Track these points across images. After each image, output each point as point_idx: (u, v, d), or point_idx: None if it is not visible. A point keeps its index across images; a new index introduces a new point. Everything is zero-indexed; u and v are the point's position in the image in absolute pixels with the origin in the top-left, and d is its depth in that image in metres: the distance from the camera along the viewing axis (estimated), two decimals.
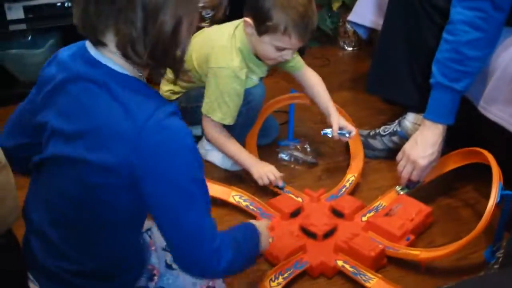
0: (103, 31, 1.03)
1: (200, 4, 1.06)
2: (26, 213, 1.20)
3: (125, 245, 1.19)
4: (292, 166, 2.15)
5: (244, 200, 1.89)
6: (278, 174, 1.94)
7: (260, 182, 1.93)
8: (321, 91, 2.11)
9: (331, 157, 2.21)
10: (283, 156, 2.19)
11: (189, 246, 1.10)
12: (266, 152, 2.19)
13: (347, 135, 2.00)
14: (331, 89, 2.70)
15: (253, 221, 1.41)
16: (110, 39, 1.04)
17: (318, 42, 3.26)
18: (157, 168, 1.03)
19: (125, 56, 1.04)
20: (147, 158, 1.03)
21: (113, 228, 1.14)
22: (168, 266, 1.30)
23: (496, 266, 1.51)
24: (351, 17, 2.59)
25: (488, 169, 1.75)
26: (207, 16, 1.14)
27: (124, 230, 1.16)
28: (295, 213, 1.83)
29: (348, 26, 2.99)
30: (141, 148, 1.02)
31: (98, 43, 1.06)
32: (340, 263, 1.64)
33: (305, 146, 2.22)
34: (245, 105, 1.98)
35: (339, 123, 2.01)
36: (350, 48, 3.21)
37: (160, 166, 1.03)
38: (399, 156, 1.90)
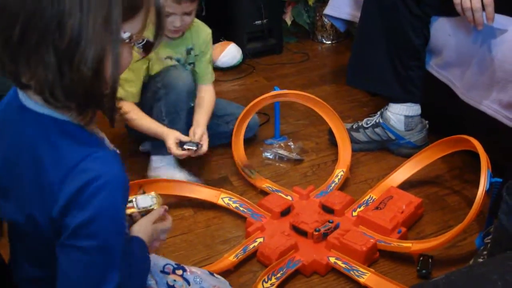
0: (21, 74, 0.92)
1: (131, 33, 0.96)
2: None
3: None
4: (277, 164, 2.15)
5: (234, 202, 1.88)
6: (184, 138, 1.93)
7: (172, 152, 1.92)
8: (204, 108, 2.06)
9: (316, 153, 2.21)
10: (268, 155, 2.18)
11: None
12: (250, 151, 2.19)
13: (194, 148, 1.92)
14: (312, 84, 2.73)
15: (133, 230, 1.22)
16: (31, 83, 0.94)
17: (296, 37, 3.27)
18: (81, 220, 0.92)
19: (45, 100, 0.93)
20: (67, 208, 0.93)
21: None
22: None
23: (485, 252, 1.52)
24: (327, 10, 2.59)
25: (472, 154, 1.76)
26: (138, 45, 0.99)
27: None
28: (285, 212, 1.82)
29: (325, 19, 2.99)
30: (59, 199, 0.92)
31: (23, 86, 0.95)
32: (332, 260, 1.64)
33: (289, 144, 2.22)
34: (164, 88, 1.97)
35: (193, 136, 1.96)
36: (329, 42, 3.22)
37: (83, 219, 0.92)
38: None
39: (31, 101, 0.96)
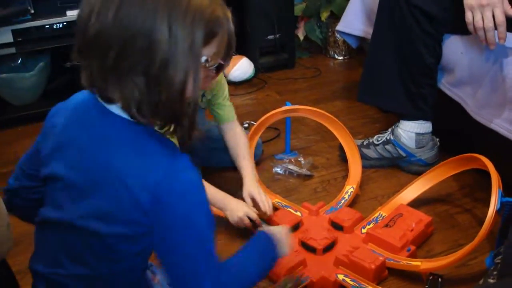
0: (109, 91, 1.01)
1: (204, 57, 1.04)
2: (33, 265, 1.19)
3: (134, 284, 1.18)
4: (287, 179, 2.15)
5: None
6: (253, 215, 1.79)
7: (237, 225, 1.82)
8: (246, 158, 1.97)
9: (326, 169, 2.21)
10: (278, 170, 2.18)
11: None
12: (261, 166, 2.18)
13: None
14: (323, 99, 2.73)
15: (269, 229, 1.40)
16: (117, 98, 1.03)
17: (309, 53, 3.27)
18: (170, 225, 1.04)
19: (131, 116, 1.02)
20: (160, 217, 1.03)
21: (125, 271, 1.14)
22: None
23: (495, 273, 1.51)
24: (340, 26, 2.60)
25: (482, 173, 1.75)
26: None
27: (133, 273, 1.16)
28: (294, 228, 1.82)
29: (338, 35, 3.00)
30: (154, 210, 1.02)
31: (109, 100, 1.04)
32: (341, 277, 1.63)
33: (299, 159, 2.22)
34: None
35: (250, 192, 1.88)
36: (341, 57, 3.22)
37: (173, 223, 1.04)
38: (468, 16, 1.75)
39: (116, 108, 1.03)
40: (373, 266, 1.61)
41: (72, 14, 2.53)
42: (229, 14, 1.08)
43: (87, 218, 1.05)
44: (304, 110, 2.16)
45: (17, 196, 1.26)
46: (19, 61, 2.60)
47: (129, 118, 1.03)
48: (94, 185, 1.04)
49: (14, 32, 2.45)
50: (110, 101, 1.03)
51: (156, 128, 1.07)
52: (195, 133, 1.07)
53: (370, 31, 2.21)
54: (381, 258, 1.65)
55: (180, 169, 1.04)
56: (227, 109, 2.00)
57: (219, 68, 1.10)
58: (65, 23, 2.52)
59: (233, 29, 1.10)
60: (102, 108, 1.04)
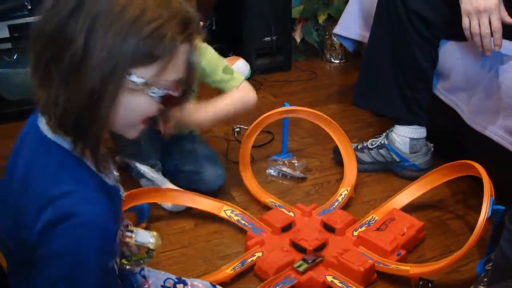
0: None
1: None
2: None
3: None
4: (281, 181, 2.14)
5: (236, 215, 1.88)
6: None
7: None
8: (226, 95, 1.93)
9: (320, 172, 2.20)
10: (271, 172, 2.18)
11: None
12: (255, 167, 2.18)
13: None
14: (319, 102, 2.73)
15: None
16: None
17: (305, 55, 3.27)
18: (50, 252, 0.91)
19: (46, 123, 0.95)
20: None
21: None
22: None
23: (485, 279, 1.51)
24: (337, 30, 2.60)
25: (476, 179, 1.75)
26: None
27: None
28: (286, 228, 1.82)
29: (334, 39, 3.00)
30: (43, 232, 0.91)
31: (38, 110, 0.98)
32: (329, 278, 1.63)
33: (292, 161, 2.22)
34: None
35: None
36: (337, 61, 3.22)
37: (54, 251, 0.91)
38: (465, 22, 1.74)
39: (42, 124, 0.97)
40: (362, 269, 1.61)
41: None
42: (195, 42, 0.96)
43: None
44: (302, 112, 2.16)
45: None
46: (15, 57, 2.58)
47: (55, 138, 0.95)
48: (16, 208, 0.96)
49: (10, 27, 2.46)
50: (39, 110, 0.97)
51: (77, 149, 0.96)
52: (101, 158, 0.97)
53: (367, 35, 2.21)
54: (370, 261, 1.65)
55: (74, 200, 0.91)
56: (230, 83, 1.94)
57: (167, 100, 0.96)
58: None
59: (195, 61, 0.97)
60: (36, 127, 0.98)
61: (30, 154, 0.97)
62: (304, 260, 1.66)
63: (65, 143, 0.95)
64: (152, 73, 0.91)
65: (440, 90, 2.04)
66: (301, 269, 1.63)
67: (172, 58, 0.91)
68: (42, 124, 0.96)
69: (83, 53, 0.87)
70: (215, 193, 2.02)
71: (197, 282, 1.34)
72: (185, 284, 1.30)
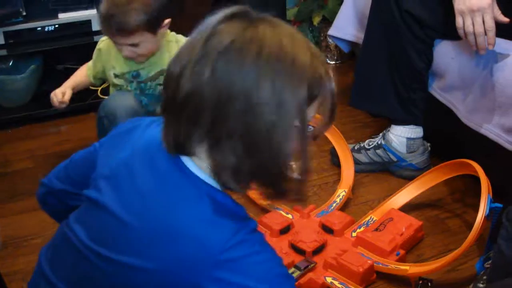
0: (192, 149, 0.95)
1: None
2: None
3: None
4: None
5: None
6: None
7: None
8: None
9: (317, 173, 2.20)
10: None
11: None
12: None
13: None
14: None
15: None
16: (201, 154, 0.96)
17: None
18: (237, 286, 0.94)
19: (222, 183, 0.96)
20: (225, 277, 0.94)
21: None
22: None
23: (484, 277, 1.51)
24: (332, 31, 2.60)
25: (473, 178, 1.76)
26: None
27: None
28: (284, 230, 1.82)
29: (329, 40, 3.00)
30: (218, 268, 0.93)
31: (188, 154, 0.97)
32: (329, 279, 1.63)
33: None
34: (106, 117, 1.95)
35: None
36: (333, 62, 3.22)
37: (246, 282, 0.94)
38: (459, 21, 1.74)
39: (191, 162, 0.97)
40: (361, 270, 1.61)
41: (64, 16, 2.53)
42: (331, 73, 0.98)
43: (127, 263, 0.98)
44: None
45: (54, 196, 1.23)
46: (10, 63, 2.59)
47: (203, 176, 0.96)
48: (149, 236, 0.97)
49: (5, 34, 2.45)
50: (187, 155, 0.97)
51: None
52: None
53: (362, 36, 2.21)
54: (369, 261, 1.65)
55: (242, 240, 0.94)
56: None
57: (317, 136, 1.01)
58: (57, 26, 2.52)
59: (335, 91, 0.99)
60: (177, 161, 0.98)
61: (181, 192, 0.97)
62: (296, 267, 1.65)
63: (213, 182, 0.97)
64: (311, 113, 0.95)
65: (436, 89, 2.04)
66: (294, 276, 1.62)
67: (326, 94, 0.96)
68: (191, 164, 0.97)
69: (275, 112, 0.89)
70: None
71: None
72: None
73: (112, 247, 1.00)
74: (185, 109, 0.91)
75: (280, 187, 0.96)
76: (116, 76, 2.02)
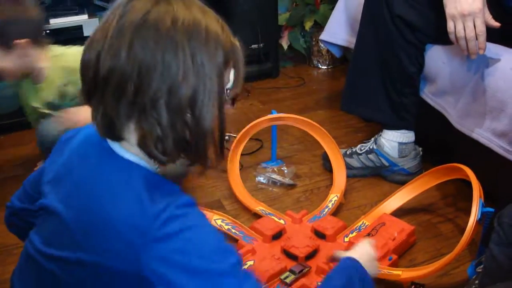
0: (122, 128, 0.96)
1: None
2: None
3: None
4: (270, 189, 2.14)
5: (226, 224, 1.87)
6: None
7: None
8: None
9: (309, 178, 2.20)
10: (261, 179, 2.18)
11: None
12: (244, 175, 2.18)
13: None
14: (307, 109, 2.74)
15: (352, 252, 1.34)
16: (130, 135, 0.97)
17: (292, 62, 3.28)
18: (177, 266, 0.93)
19: (149, 154, 0.96)
20: (164, 257, 0.93)
21: None
22: None
23: (476, 282, 1.51)
24: (323, 36, 2.60)
25: (465, 182, 1.76)
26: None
27: None
28: (277, 236, 1.81)
29: (321, 45, 3.01)
30: (152, 249, 0.93)
31: (116, 139, 0.99)
32: None
33: (282, 168, 2.22)
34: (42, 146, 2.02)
35: None
36: (325, 67, 3.23)
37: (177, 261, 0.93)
38: (450, 25, 1.74)
39: (122, 149, 0.99)
40: None
41: (55, 22, 2.53)
42: (238, 43, 1.04)
43: (70, 258, 0.99)
44: (290, 119, 2.16)
45: (16, 216, 1.24)
46: None
47: (133, 159, 0.99)
48: (84, 228, 0.97)
49: None
50: (118, 139, 0.99)
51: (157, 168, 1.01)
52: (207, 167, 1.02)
53: (354, 40, 2.21)
54: None
55: (172, 216, 0.94)
56: None
57: (234, 101, 1.05)
58: (48, 31, 2.51)
59: (241, 57, 1.04)
60: (105, 146, 1.00)
61: (110, 178, 0.98)
62: (291, 271, 1.65)
63: (145, 164, 0.99)
64: (227, 80, 1.01)
65: (427, 94, 2.05)
66: (288, 280, 1.62)
67: (237, 61, 1.02)
68: (120, 148, 0.99)
69: (196, 80, 0.93)
70: (207, 202, 2.02)
71: None
72: None
73: (59, 246, 1.01)
74: (107, 87, 0.93)
75: (203, 153, 0.99)
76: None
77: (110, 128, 0.96)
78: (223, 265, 0.94)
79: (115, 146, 1.00)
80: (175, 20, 0.93)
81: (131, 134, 0.97)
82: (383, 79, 2.06)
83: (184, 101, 0.93)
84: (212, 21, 0.97)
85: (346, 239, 1.81)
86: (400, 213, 1.93)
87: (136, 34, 0.92)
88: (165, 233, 0.92)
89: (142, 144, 0.96)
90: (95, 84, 0.94)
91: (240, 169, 2.13)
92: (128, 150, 0.99)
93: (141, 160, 0.99)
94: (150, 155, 0.96)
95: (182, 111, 0.93)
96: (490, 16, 1.72)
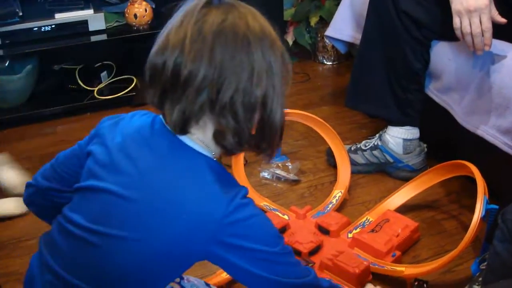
0: (196, 123, 1.06)
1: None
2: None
3: None
4: (275, 184, 2.14)
5: None
6: None
7: None
8: None
9: (314, 174, 2.20)
10: (265, 174, 2.18)
11: None
12: (248, 171, 2.18)
13: None
14: (312, 104, 2.73)
15: None
16: (201, 129, 1.08)
17: (297, 58, 3.27)
18: (241, 249, 1.07)
19: (223, 146, 1.08)
20: (234, 240, 1.06)
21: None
22: None
23: (480, 279, 1.51)
24: (329, 32, 2.60)
25: (469, 179, 1.76)
26: None
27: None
28: (280, 231, 1.80)
29: (327, 41, 3.00)
30: (225, 231, 1.05)
31: (186, 133, 1.08)
32: None
33: (286, 164, 2.22)
34: None
35: None
36: (330, 63, 3.22)
37: (244, 246, 1.07)
38: (456, 22, 1.74)
39: (190, 140, 1.09)
40: (357, 271, 1.61)
41: (60, 16, 2.53)
42: None
43: (132, 240, 1.06)
44: (295, 114, 2.15)
45: (41, 196, 1.28)
46: (6, 64, 2.58)
47: (201, 150, 1.08)
48: (154, 214, 1.05)
49: (1, 34, 2.45)
50: (186, 133, 1.08)
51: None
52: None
53: (359, 36, 2.21)
54: (365, 262, 1.65)
55: (240, 205, 1.06)
56: None
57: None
58: (53, 26, 2.52)
59: None
60: (172, 138, 1.09)
61: (178, 165, 1.08)
62: None
63: (208, 153, 1.10)
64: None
65: (432, 90, 2.04)
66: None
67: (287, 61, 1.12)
68: (187, 139, 1.09)
69: (268, 79, 1.05)
70: None
71: (192, 278, 1.35)
72: (181, 278, 1.31)
73: (115, 224, 1.07)
74: (188, 88, 1.02)
75: (272, 144, 1.12)
76: None
77: (185, 124, 1.05)
78: (277, 249, 1.10)
79: (184, 138, 1.09)
80: (248, 26, 1.04)
81: (203, 128, 1.07)
82: (388, 75, 2.06)
83: (258, 98, 1.04)
84: (272, 29, 1.10)
85: (350, 235, 1.81)
86: (404, 209, 1.93)
87: (217, 38, 1.02)
88: (234, 219, 1.03)
89: (219, 137, 1.06)
90: (173, 85, 1.03)
91: (244, 164, 2.13)
92: (193, 140, 1.08)
93: (206, 151, 1.09)
94: (224, 147, 1.08)
95: (256, 107, 1.05)
96: (497, 12, 1.71)
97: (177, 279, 1.30)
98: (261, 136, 1.09)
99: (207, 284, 1.38)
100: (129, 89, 2.69)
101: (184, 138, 1.09)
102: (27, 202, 1.32)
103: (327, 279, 1.35)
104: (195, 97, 1.02)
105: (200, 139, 1.09)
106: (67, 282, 1.10)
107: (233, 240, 1.05)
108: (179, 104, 1.04)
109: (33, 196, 1.29)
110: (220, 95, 1.02)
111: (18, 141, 2.44)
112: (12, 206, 1.95)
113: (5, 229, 1.88)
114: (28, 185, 1.30)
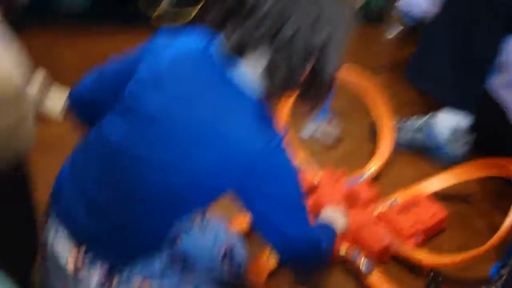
0: (250, 53, 1.06)
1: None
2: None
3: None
4: (313, 145, 2.11)
5: None
6: None
7: None
8: None
9: (354, 141, 2.17)
10: (305, 133, 2.15)
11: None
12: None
13: None
14: (366, 71, 2.67)
15: (326, 216, 1.48)
16: (252, 61, 1.07)
17: (365, 19, 3.19)
18: (271, 190, 1.09)
19: (271, 83, 1.07)
20: (262, 179, 1.08)
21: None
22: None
23: (497, 283, 1.49)
24: (401, 2, 2.54)
25: (510, 182, 1.72)
26: None
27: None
28: (308, 192, 1.81)
29: (397, 10, 2.92)
30: (257, 170, 1.06)
31: (238, 55, 1.07)
32: (342, 251, 1.63)
33: (328, 125, 2.18)
34: None
35: None
36: (395, 32, 3.14)
37: (275, 187, 1.09)
38: None
39: (237, 72, 1.07)
40: (377, 247, 1.60)
41: None
42: None
43: (170, 163, 1.08)
44: (350, 74, 2.11)
45: (83, 103, 1.29)
46: None
47: (248, 85, 1.07)
48: (192, 139, 1.07)
49: None
50: (240, 56, 1.06)
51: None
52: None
53: (431, 11, 2.15)
54: (387, 241, 1.64)
55: (275, 149, 1.07)
56: None
57: None
58: None
59: None
60: (222, 70, 1.07)
61: (223, 101, 1.08)
62: None
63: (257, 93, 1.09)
64: None
65: (493, 84, 1.98)
66: None
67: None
68: (242, 74, 1.08)
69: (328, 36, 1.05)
70: None
71: (215, 220, 1.39)
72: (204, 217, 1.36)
73: (149, 145, 1.09)
74: (252, 16, 1.03)
75: (321, 93, 1.12)
76: None
77: (242, 48, 1.05)
78: (301, 202, 1.15)
79: (233, 73, 1.07)
80: None
81: (257, 59, 1.06)
82: (453, 58, 2.01)
83: (318, 44, 1.04)
84: None
85: (377, 211, 1.79)
86: (436, 197, 1.89)
87: None
88: (267, 161, 1.05)
89: (270, 70, 1.06)
90: (238, 10, 1.04)
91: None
92: (244, 76, 1.07)
93: (251, 90, 1.08)
94: (272, 82, 1.07)
95: (313, 53, 1.05)
96: None
97: (200, 217, 1.31)
98: (310, 83, 1.10)
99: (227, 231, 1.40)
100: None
101: (231, 70, 1.08)
102: (72, 103, 1.33)
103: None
104: (257, 27, 1.02)
105: (250, 73, 1.08)
106: (91, 200, 1.13)
107: (259, 180, 1.07)
108: (241, 29, 1.04)
109: (76, 102, 1.32)
110: (281, 31, 1.02)
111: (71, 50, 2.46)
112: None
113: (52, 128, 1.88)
114: (70, 95, 1.32)
